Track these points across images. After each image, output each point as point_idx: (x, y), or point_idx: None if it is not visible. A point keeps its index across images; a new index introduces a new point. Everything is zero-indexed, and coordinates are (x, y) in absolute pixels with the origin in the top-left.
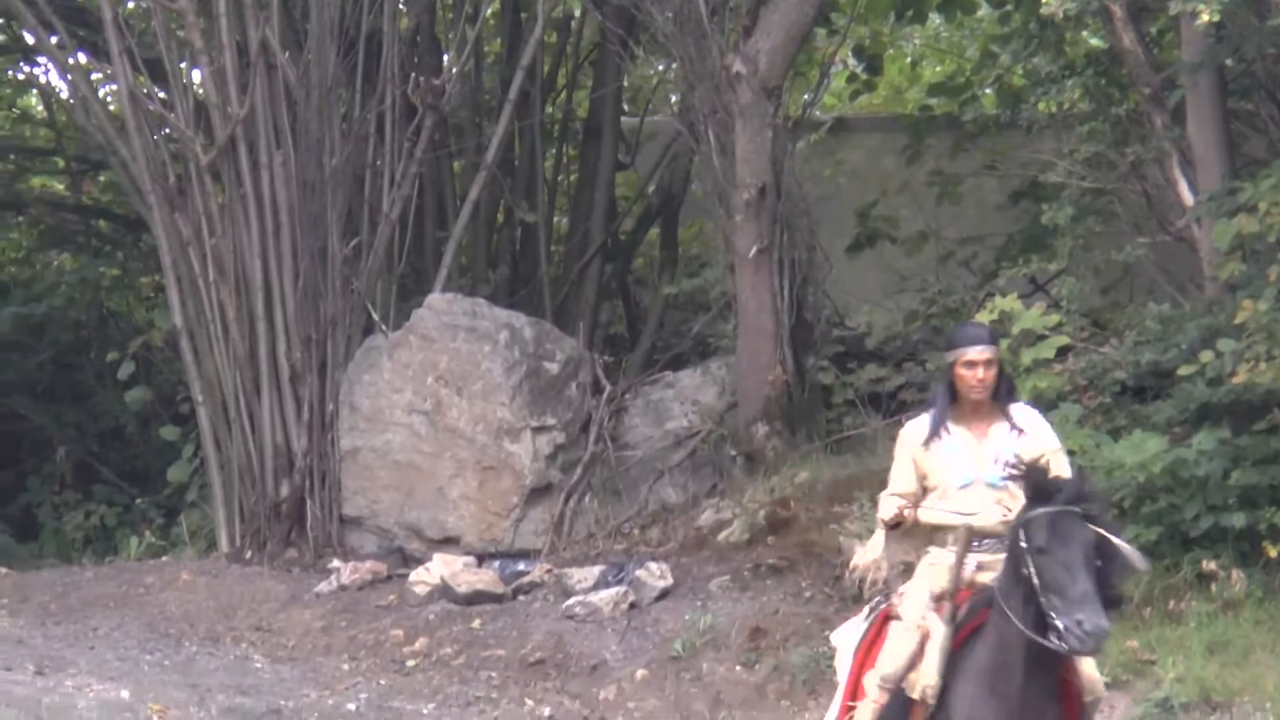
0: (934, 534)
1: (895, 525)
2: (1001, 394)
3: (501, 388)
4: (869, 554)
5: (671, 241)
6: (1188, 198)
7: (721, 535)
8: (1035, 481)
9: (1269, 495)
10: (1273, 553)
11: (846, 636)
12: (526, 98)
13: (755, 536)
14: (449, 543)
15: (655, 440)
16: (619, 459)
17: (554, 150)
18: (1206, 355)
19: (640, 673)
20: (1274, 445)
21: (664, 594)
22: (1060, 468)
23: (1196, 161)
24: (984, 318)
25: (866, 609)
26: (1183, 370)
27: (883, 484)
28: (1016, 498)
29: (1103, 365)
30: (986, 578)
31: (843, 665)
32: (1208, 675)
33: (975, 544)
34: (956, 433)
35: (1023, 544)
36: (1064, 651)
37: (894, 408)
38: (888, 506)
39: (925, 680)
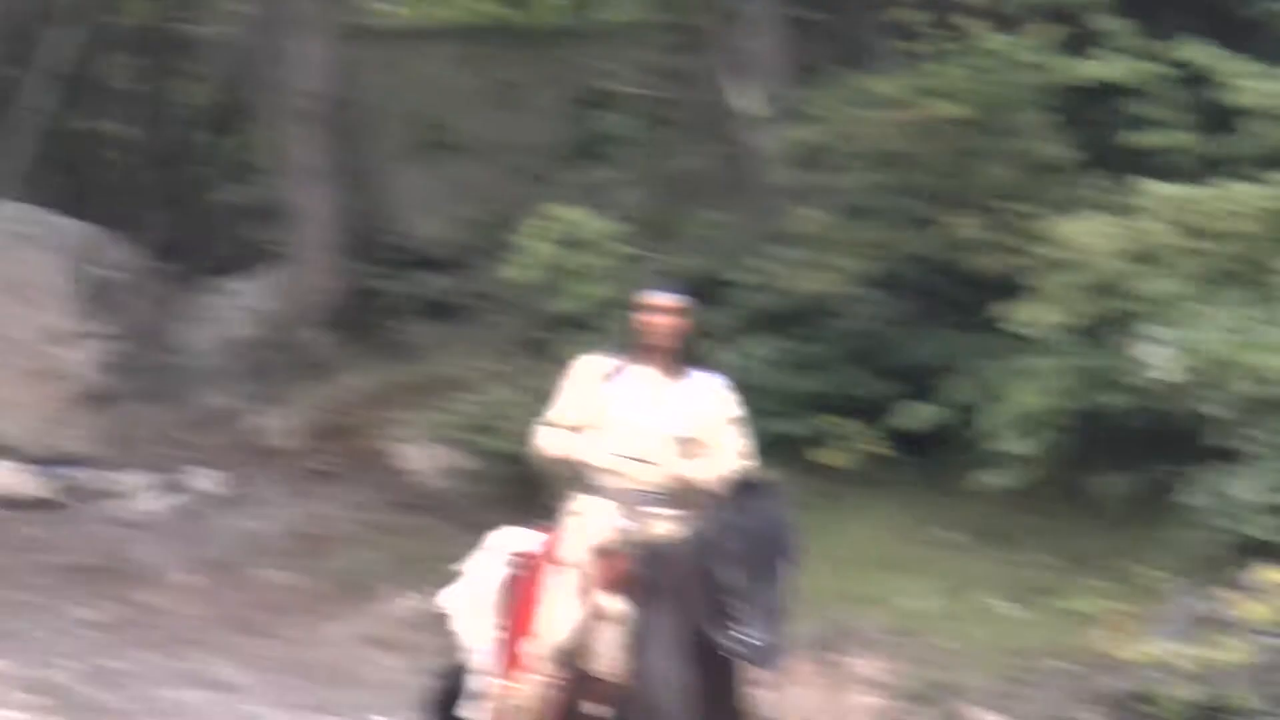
0: (583, 476)
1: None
2: (690, 353)
3: (58, 294)
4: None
5: (236, 150)
6: (748, 107)
7: (277, 441)
8: (749, 481)
9: (818, 401)
10: (819, 458)
11: (468, 599)
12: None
13: (309, 442)
14: (3, 450)
15: (214, 347)
16: (177, 365)
17: (119, 58)
18: (755, 261)
19: (192, 578)
20: (822, 351)
21: (218, 500)
22: (732, 439)
23: (757, 71)
24: (539, 226)
25: (491, 567)
26: (733, 277)
27: (435, 390)
28: (690, 453)
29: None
30: (651, 532)
31: (480, 640)
32: None
33: (638, 496)
34: (640, 373)
35: (725, 543)
36: (733, 657)
37: (447, 314)
38: (551, 440)
39: (606, 654)
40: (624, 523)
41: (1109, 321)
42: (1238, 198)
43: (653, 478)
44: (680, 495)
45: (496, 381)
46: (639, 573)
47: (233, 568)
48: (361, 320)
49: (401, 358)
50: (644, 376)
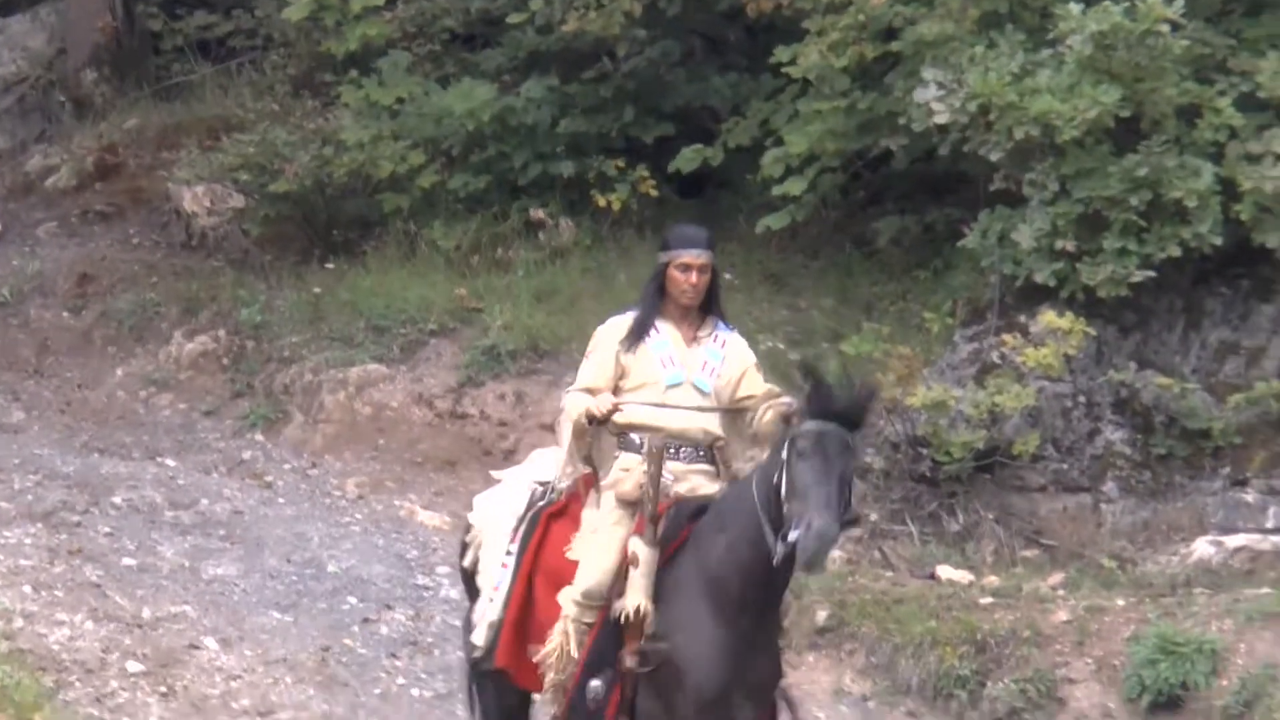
0: (624, 436)
1: (598, 421)
2: (712, 303)
3: None
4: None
5: None
6: None
7: (49, 181)
8: (814, 391)
9: (597, 144)
10: (601, 202)
11: (492, 518)
12: None
13: (83, 183)
14: None
15: None
16: None
17: None
18: (536, 3)
19: None
20: (602, 94)
21: None
22: (756, 384)
23: None
24: None
25: (519, 490)
26: (512, 18)
27: (213, 130)
28: (716, 409)
29: (432, 12)
30: (682, 488)
31: (490, 561)
32: (535, 323)
33: (672, 450)
34: (666, 331)
35: (783, 455)
36: (785, 553)
37: (223, 54)
38: (579, 402)
39: (633, 602)
40: (662, 476)
41: (887, 65)
42: None
43: (688, 433)
44: (714, 449)
45: (274, 122)
46: (676, 525)
47: (11, 309)
48: (137, 60)
49: (179, 98)
50: (675, 333)
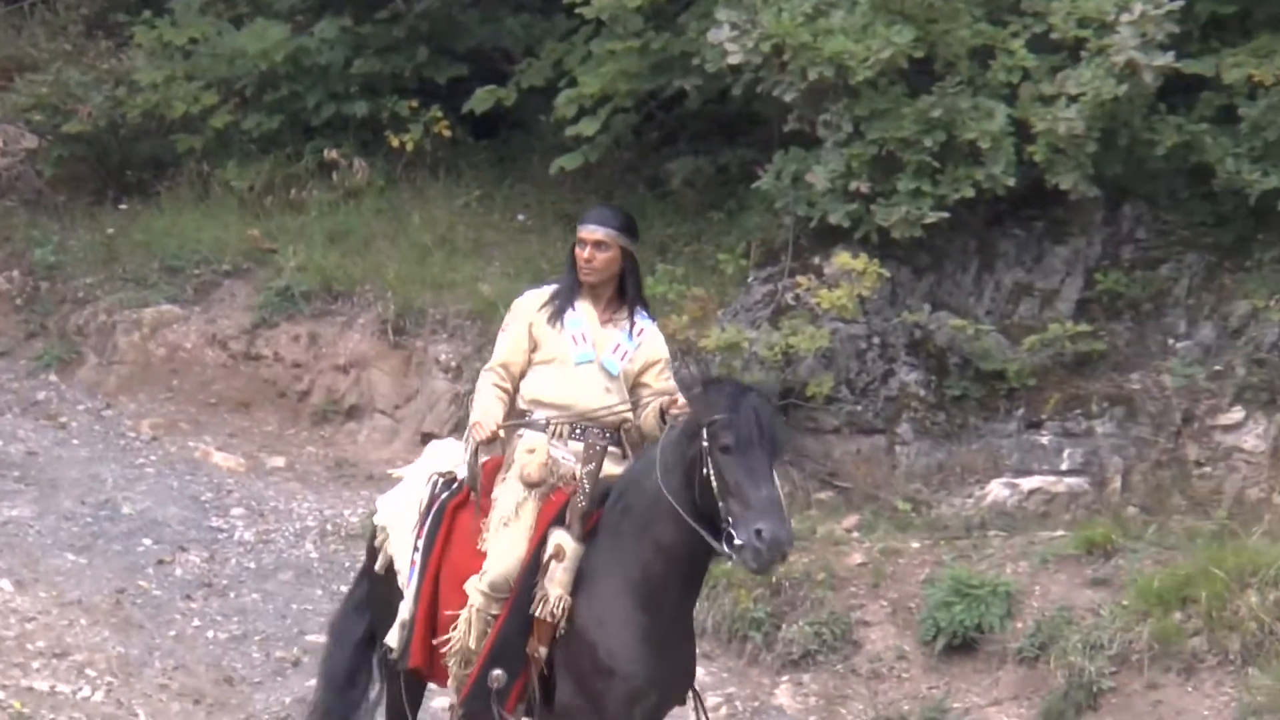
0: (529, 413)
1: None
2: (624, 285)
3: None
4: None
5: None
6: None
7: None
8: (714, 383)
9: (391, 84)
10: (394, 142)
11: (397, 516)
12: None
13: None
14: None
15: None
16: None
17: None
18: None
19: None
20: (395, 34)
21: None
22: (657, 378)
23: None
24: None
25: (420, 485)
26: None
27: (3, 71)
28: (623, 392)
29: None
30: (585, 469)
31: (401, 558)
32: (329, 263)
33: (578, 431)
34: (581, 309)
35: (704, 443)
36: (735, 563)
37: None
38: (489, 403)
39: (554, 594)
40: (567, 457)
41: (680, 5)
42: None
43: (595, 414)
44: (620, 432)
45: (67, 62)
46: (587, 509)
47: None
48: None
49: None
50: (584, 313)
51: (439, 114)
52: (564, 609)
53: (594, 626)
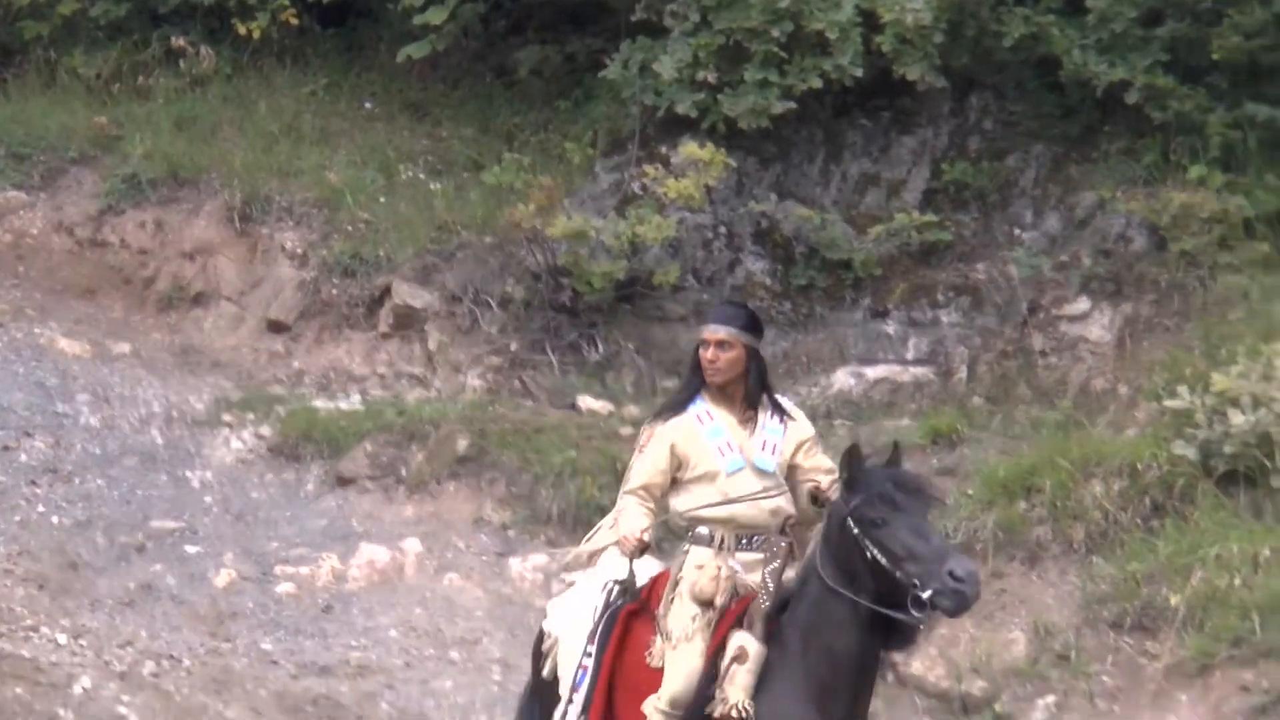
0: (693, 530)
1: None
2: (753, 382)
3: None
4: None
5: None
6: None
7: None
8: (848, 465)
9: None
10: (242, 30)
11: (568, 624)
12: None
13: None
14: None
15: None
16: None
17: None
18: None
19: None
20: None
21: None
22: (819, 457)
23: None
24: None
25: (595, 591)
26: None
27: None
28: (782, 487)
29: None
30: (755, 578)
31: (568, 664)
32: (175, 151)
33: (745, 541)
34: (719, 417)
35: (855, 530)
36: (937, 613)
37: None
38: (633, 517)
39: (735, 698)
40: (736, 568)
41: None
42: None
43: (758, 520)
44: (786, 530)
45: None
46: (770, 610)
47: None
48: None
49: None
50: (723, 421)
51: (286, 2)
52: (747, 712)
53: None
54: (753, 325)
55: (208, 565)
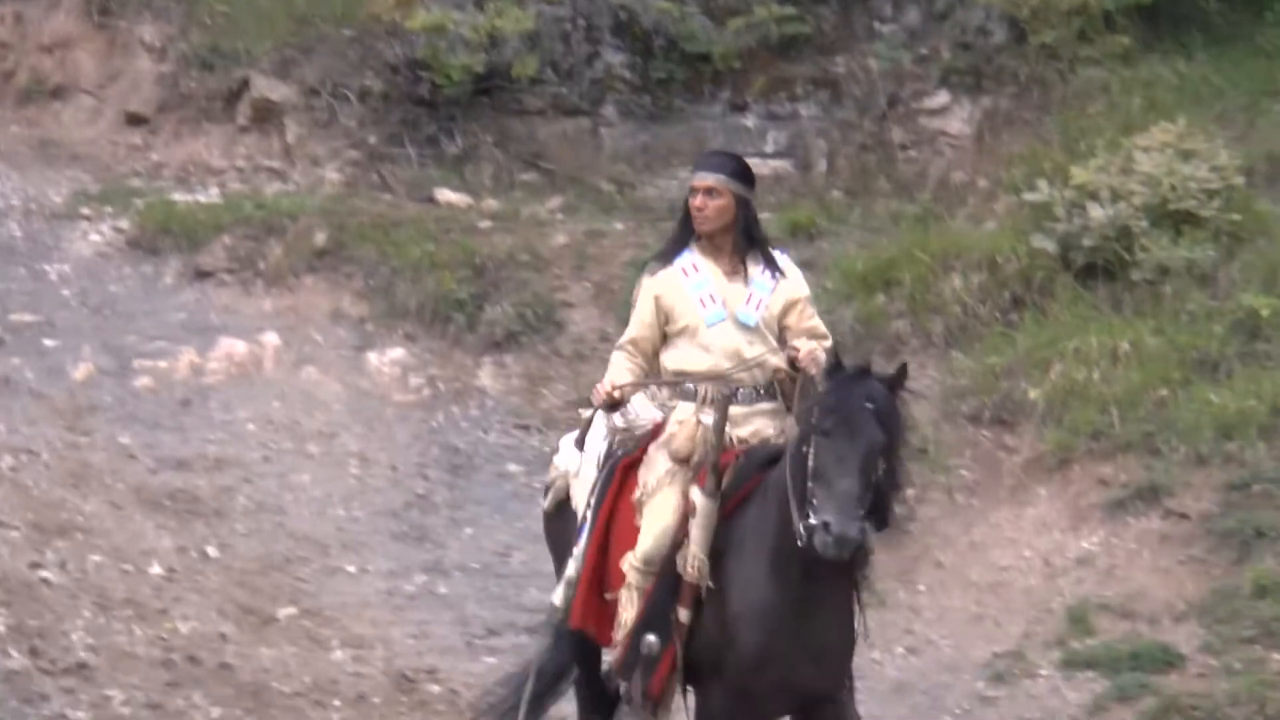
0: (679, 383)
1: (614, 407)
2: (742, 233)
3: None
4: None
5: None
6: None
7: None
8: (837, 359)
9: None
10: None
11: (574, 466)
12: None
13: None
14: None
15: None
16: None
17: None
18: None
19: None
20: None
21: None
22: (810, 317)
23: None
24: None
25: (596, 440)
26: None
27: None
28: (768, 341)
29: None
30: (744, 432)
31: (578, 510)
32: None
33: (735, 396)
34: (704, 269)
35: (812, 420)
36: (803, 545)
37: None
38: (616, 371)
39: (691, 551)
40: (718, 421)
41: None
42: None
43: (742, 373)
44: (773, 386)
45: None
46: (734, 478)
47: None
48: None
49: None
50: (708, 272)
51: None
52: (700, 568)
53: (727, 591)
54: (743, 174)
55: (66, 359)
